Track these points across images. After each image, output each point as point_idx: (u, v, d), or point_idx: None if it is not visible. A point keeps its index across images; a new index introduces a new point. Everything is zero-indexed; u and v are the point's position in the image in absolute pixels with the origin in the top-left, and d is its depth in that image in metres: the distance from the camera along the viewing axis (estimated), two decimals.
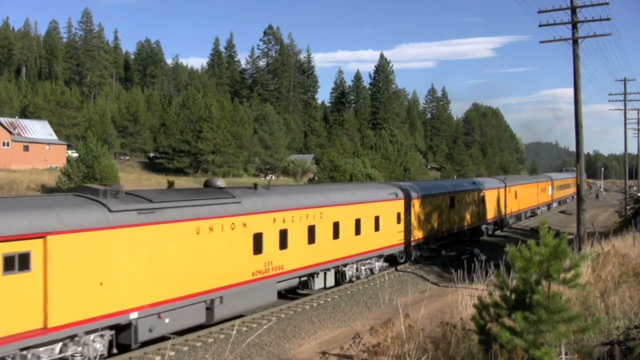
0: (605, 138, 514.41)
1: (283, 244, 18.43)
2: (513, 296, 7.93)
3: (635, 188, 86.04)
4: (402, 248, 26.72)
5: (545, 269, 7.48)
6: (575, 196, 71.55)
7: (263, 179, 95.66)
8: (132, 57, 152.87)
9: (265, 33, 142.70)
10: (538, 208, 56.07)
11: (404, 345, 9.48)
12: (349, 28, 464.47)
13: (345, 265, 22.51)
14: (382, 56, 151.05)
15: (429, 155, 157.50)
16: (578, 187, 27.02)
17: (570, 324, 7.37)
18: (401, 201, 26.58)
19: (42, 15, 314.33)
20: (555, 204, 65.51)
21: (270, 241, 17.93)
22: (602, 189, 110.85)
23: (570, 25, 25.72)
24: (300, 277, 19.85)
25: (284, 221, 18.46)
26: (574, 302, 11.12)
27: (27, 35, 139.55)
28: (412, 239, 27.41)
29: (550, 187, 60.85)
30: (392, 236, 25.71)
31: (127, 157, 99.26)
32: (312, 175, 79.23)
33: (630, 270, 15.27)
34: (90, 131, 72.00)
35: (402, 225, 26.54)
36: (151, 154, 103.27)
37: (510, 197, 43.52)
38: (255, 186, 18.94)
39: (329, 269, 21.26)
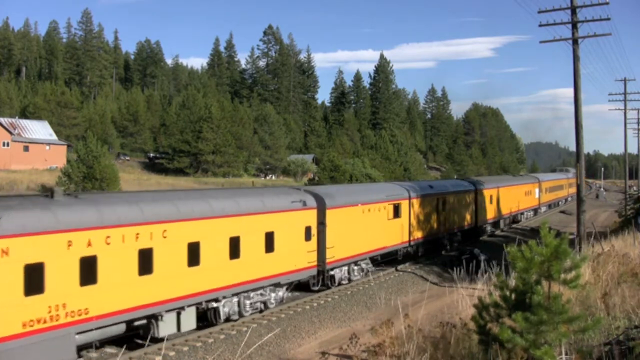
0: (605, 138, 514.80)
1: (88, 277, 13.04)
2: (513, 296, 7.93)
3: (635, 188, 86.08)
4: (314, 272, 20.87)
5: (546, 270, 7.47)
6: (567, 199, 71.09)
7: (263, 179, 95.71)
8: (132, 57, 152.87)
9: (265, 33, 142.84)
10: (522, 213, 49.59)
11: (403, 345, 9.48)
12: (349, 28, 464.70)
13: (215, 300, 16.75)
14: (382, 56, 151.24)
15: (429, 155, 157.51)
16: (578, 187, 27.00)
17: (571, 324, 7.37)
18: (312, 211, 20.58)
19: (42, 15, 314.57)
20: (543, 208, 58.66)
21: (62, 275, 12.55)
22: (602, 189, 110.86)
23: (570, 25, 25.73)
24: (128, 321, 14.31)
25: (89, 244, 13.00)
26: (574, 302, 11.12)
27: (27, 36, 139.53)
28: (330, 259, 21.48)
29: (537, 190, 54.49)
30: (296, 258, 19.68)
31: (127, 157, 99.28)
32: (312, 175, 79.15)
33: (630, 270, 15.26)
34: (90, 131, 71.91)
35: (313, 243, 20.56)
36: (151, 154, 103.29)
37: (484, 202, 38.53)
38: (51, 194, 13.67)
39: (183, 308, 15.49)
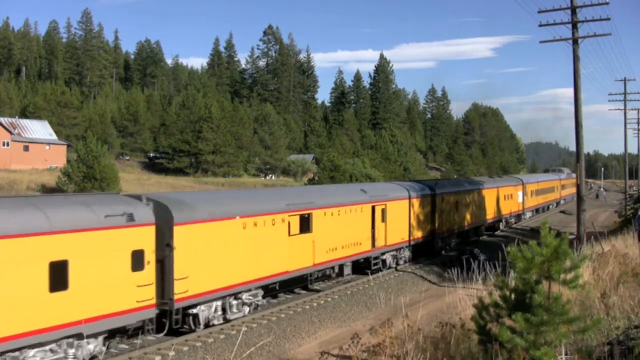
0: (605, 138, 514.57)
1: None
2: (513, 296, 7.93)
3: (634, 188, 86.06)
4: (149, 314, 14.69)
5: (546, 270, 7.48)
6: (560, 202, 69.04)
7: (263, 178, 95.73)
8: (132, 57, 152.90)
9: (265, 33, 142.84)
10: (499, 221, 42.69)
11: (403, 345, 9.48)
12: (349, 28, 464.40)
13: None
14: (382, 56, 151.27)
15: (429, 155, 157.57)
16: (578, 187, 27.03)
17: (571, 325, 7.37)
18: (145, 229, 14.50)
19: (42, 15, 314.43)
20: (528, 214, 52.08)
21: None
22: (602, 189, 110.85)
23: (570, 25, 25.74)
24: None
25: None
26: (574, 302, 11.13)
27: (27, 35, 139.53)
28: (183, 295, 15.41)
29: (520, 193, 47.67)
30: (114, 296, 13.75)
31: (127, 157, 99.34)
32: (312, 175, 79.24)
33: (630, 270, 15.27)
34: (90, 131, 71.97)
35: (149, 274, 14.53)
36: (151, 154, 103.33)
37: (445, 209, 32.02)
38: None
39: None
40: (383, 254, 25.88)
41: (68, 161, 65.39)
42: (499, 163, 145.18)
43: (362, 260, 24.49)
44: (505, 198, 43.49)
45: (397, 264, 26.92)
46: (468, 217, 35.59)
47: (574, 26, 25.58)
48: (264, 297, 19.16)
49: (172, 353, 14.71)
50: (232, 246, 17.05)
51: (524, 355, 7.27)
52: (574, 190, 74.94)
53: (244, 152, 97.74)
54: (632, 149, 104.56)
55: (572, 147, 48.51)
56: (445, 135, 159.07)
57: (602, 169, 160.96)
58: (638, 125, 66.23)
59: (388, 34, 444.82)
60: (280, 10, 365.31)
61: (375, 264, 25.08)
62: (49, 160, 76.40)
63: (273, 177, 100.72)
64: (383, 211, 25.55)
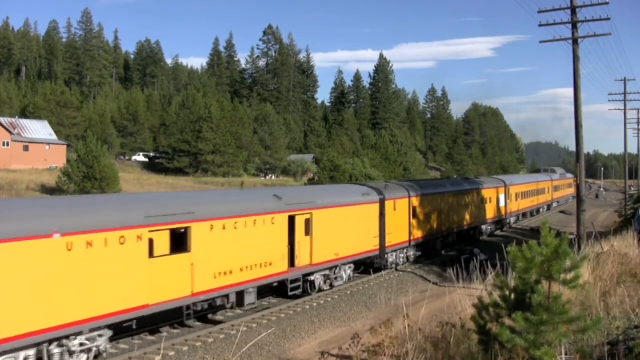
0: (606, 138, 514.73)
1: None
2: (513, 296, 7.94)
3: (634, 188, 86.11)
4: None
5: (546, 270, 7.48)
6: (552, 205, 65.70)
7: (263, 178, 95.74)
8: (132, 57, 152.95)
9: (265, 33, 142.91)
10: (475, 228, 37.53)
11: (403, 346, 9.48)
12: (349, 28, 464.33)
13: None
14: (381, 56, 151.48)
15: (429, 155, 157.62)
16: (578, 187, 27.04)
17: (571, 325, 7.37)
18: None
19: (42, 15, 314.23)
20: (512, 219, 47.14)
21: None
22: (602, 189, 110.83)
23: (570, 25, 25.73)
24: None
25: None
26: (574, 302, 11.13)
27: (27, 35, 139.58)
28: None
29: (502, 196, 42.55)
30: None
31: (127, 157, 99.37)
32: (312, 175, 79.26)
33: (630, 270, 15.27)
34: (90, 131, 71.97)
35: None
36: (151, 154, 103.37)
37: (396, 218, 26.63)
38: None
39: None
40: (308, 275, 20.85)
41: (68, 161, 65.41)
42: (499, 163, 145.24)
43: (275, 284, 19.93)
44: (484, 202, 38.34)
45: (332, 285, 22.35)
46: (430, 226, 30.21)
47: (574, 26, 25.58)
48: (116, 338, 15.05)
49: (172, 353, 14.73)
50: (48, 276, 12.27)
51: (524, 355, 7.27)
52: (569, 191, 74.05)
53: (244, 152, 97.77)
54: (632, 149, 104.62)
55: (572, 147, 48.11)
56: (445, 135, 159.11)
57: (602, 169, 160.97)
58: (638, 125, 66.30)
59: (388, 34, 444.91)
60: (280, 10, 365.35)
61: (294, 288, 20.07)
62: (49, 160, 76.42)
63: (273, 177, 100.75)
64: (307, 222, 20.45)
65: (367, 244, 24.25)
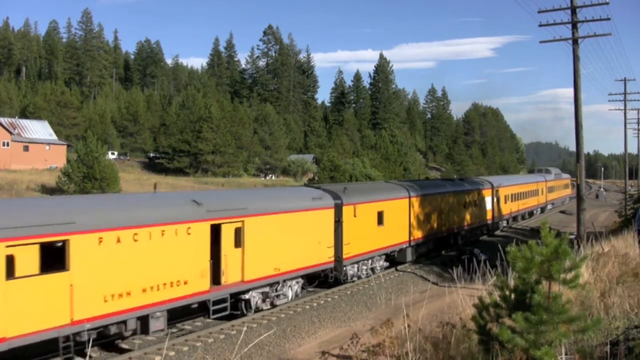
0: (606, 138, 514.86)
1: None
2: (513, 296, 7.94)
3: (634, 188, 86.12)
4: None
5: (546, 269, 7.48)
6: (546, 207, 61.11)
7: (263, 179, 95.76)
8: (132, 57, 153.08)
9: (265, 33, 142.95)
10: (456, 234, 33.79)
11: (403, 345, 9.48)
12: (349, 28, 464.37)
13: None
14: (381, 56, 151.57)
15: (429, 155, 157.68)
16: (578, 187, 27.04)
17: (571, 325, 7.37)
18: None
19: (42, 15, 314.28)
20: (502, 224, 43.65)
21: None
22: (602, 189, 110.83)
23: (570, 25, 25.75)
24: None
25: None
26: (574, 302, 11.13)
27: (27, 35, 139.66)
28: None
29: (489, 199, 39.03)
30: None
31: (127, 157, 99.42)
32: (312, 175, 79.31)
33: (630, 270, 15.27)
34: (90, 131, 71.99)
35: None
36: (151, 154, 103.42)
37: (356, 225, 23.01)
38: None
39: None
40: (241, 293, 17.83)
41: (68, 161, 65.41)
42: (499, 163, 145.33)
43: (195, 305, 16.63)
44: (466, 206, 35.04)
45: (274, 304, 19.32)
46: (401, 233, 26.90)
47: (574, 26, 25.60)
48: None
49: (172, 353, 14.73)
50: None
51: (524, 355, 7.28)
52: (565, 192, 72.49)
53: (244, 152, 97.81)
54: (632, 149, 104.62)
55: (572, 147, 47.82)
56: (445, 135, 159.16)
57: (602, 169, 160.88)
58: (638, 125, 66.32)
59: (388, 34, 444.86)
60: (280, 10, 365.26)
61: (218, 310, 16.72)
62: (49, 160, 76.45)
63: (273, 177, 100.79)
64: (238, 232, 17.36)
65: (319, 256, 21.01)
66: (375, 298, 21.92)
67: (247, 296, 18.06)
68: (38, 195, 50.81)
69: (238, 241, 17.39)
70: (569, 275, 7.60)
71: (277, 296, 19.38)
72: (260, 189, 24.75)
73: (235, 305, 17.89)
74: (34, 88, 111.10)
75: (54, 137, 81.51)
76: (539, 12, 26.21)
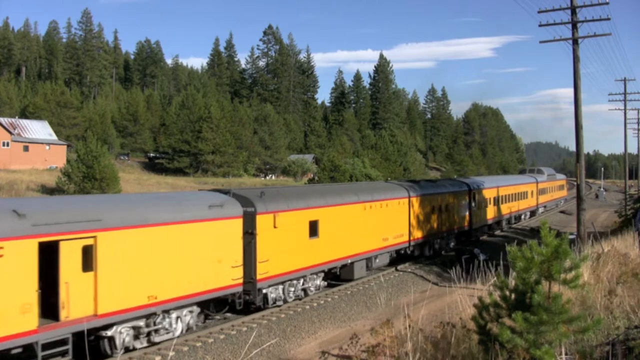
0: (605, 138, 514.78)
1: None
2: (513, 296, 7.93)
3: (634, 188, 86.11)
4: None
5: (546, 269, 7.48)
6: (537, 211, 56.97)
7: (263, 178, 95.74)
8: (132, 57, 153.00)
9: (265, 33, 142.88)
10: (423, 245, 30.01)
11: (403, 346, 9.48)
12: (348, 28, 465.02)
13: None
14: (381, 56, 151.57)
15: (429, 155, 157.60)
16: (578, 187, 27.03)
17: (571, 325, 7.37)
18: None
19: (42, 15, 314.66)
20: (484, 228, 39.66)
21: None
22: (602, 189, 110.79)
23: (570, 25, 25.74)
24: None
25: None
26: (574, 302, 11.13)
27: (27, 36, 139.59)
28: None
29: (465, 203, 35.20)
30: None
31: (127, 157, 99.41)
32: (312, 175, 79.30)
33: (630, 270, 15.26)
34: (90, 131, 72.02)
35: None
36: (151, 154, 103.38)
37: (272, 234, 18.53)
38: None
39: None
40: (94, 330, 13.70)
41: (68, 161, 65.36)
42: (499, 163, 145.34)
43: (18, 349, 12.09)
44: (439, 211, 31.14)
45: (152, 342, 15.23)
46: (344, 246, 22.46)
47: (574, 26, 25.59)
48: None
49: (172, 353, 14.71)
50: None
51: (524, 355, 7.27)
52: (559, 194, 69.04)
53: (243, 152, 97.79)
54: (632, 149, 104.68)
55: (572, 147, 47.74)
56: (445, 135, 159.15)
57: (602, 169, 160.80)
58: (638, 125, 66.32)
59: (388, 34, 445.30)
60: (280, 10, 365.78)
61: (53, 355, 12.57)
62: (49, 160, 76.43)
63: (273, 177, 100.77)
64: (87, 251, 13.22)
65: (219, 278, 16.61)
66: (375, 298, 21.91)
67: (109, 333, 14.00)
68: (38, 195, 50.80)
69: (88, 263, 13.16)
70: (569, 275, 7.59)
71: (157, 331, 15.29)
72: (131, 194, 19.74)
73: (97, 346, 14.14)
74: (34, 88, 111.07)
75: (54, 137, 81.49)
76: (539, 12, 26.21)
